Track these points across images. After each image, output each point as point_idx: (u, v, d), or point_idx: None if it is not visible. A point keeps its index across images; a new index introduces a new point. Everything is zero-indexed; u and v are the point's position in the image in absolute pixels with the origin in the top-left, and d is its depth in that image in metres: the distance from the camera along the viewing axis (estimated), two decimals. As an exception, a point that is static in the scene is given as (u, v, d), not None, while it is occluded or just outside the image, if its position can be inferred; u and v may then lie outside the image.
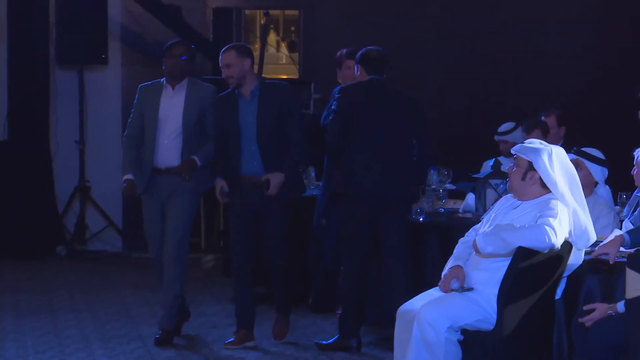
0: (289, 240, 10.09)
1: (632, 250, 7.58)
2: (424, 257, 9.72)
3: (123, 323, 10.94)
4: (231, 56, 9.65)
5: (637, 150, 8.32)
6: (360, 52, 10.32)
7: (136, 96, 10.07)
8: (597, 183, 9.27)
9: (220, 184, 9.90)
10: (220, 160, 10.01)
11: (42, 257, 15.03)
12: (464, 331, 7.85)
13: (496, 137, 12.00)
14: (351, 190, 9.90)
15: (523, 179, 7.91)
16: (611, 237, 7.64)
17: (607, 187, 9.55)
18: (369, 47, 10.30)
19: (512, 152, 8.00)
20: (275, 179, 9.67)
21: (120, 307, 11.75)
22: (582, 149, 9.33)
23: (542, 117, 11.42)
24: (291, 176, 9.87)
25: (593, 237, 7.99)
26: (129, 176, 10.02)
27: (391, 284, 9.89)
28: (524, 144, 7.97)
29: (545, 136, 10.68)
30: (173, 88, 9.93)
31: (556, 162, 7.89)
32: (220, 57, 9.75)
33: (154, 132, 9.93)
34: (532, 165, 7.87)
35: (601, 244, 7.73)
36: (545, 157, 7.86)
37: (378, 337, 10.20)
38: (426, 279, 8.82)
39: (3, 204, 15.06)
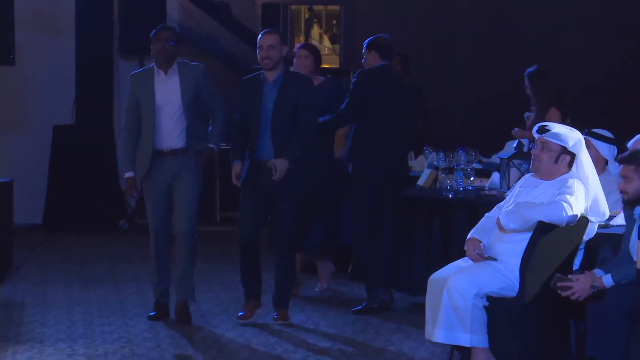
0: (296, 226, 9.63)
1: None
2: (453, 230, 9.71)
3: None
4: (275, 39, 9.22)
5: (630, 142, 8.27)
6: (371, 39, 10.28)
7: (129, 85, 9.37)
8: (607, 161, 9.21)
9: (238, 167, 9.48)
10: (238, 143, 9.63)
11: (106, 231, 15.25)
12: (489, 298, 7.87)
13: (527, 114, 12.06)
14: (359, 165, 10.30)
15: (556, 162, 7.92)
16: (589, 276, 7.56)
17: (617, 164, 9.51)
18: (379, 35, 10.25)
19: (547, 137, 7.91)
20: (280, 165, 9.28)
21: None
22: (592, 130, 9.32)
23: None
24: (299, 164, 9.39)
25: (606, 212, 8.01)
26: (130, 174, 9.42)
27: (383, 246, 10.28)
28: (553, 131, 7.91)
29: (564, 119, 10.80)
30: (165, 72, 9.27)
31: (584, 148, 7.98)
32: (261, 37, 9.29)
33: (154, 117, 9.23)
34: (566, 150, 7.89)
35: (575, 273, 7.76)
36: (579, 144, 7.94)
37: (409, 303, 10.25)
38: (455, 250, 8.82)
39: (71, 182, 15.24)
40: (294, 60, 10.80)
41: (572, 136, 7.91)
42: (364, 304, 10.17)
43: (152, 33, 9.09)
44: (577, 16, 16.03)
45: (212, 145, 9.34)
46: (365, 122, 10.17)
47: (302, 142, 9.45)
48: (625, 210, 7.71)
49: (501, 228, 7.83)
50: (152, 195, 9.37)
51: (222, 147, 10.71)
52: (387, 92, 10.19)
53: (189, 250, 9.44)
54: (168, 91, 9.15)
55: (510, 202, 8.03)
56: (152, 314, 9.52)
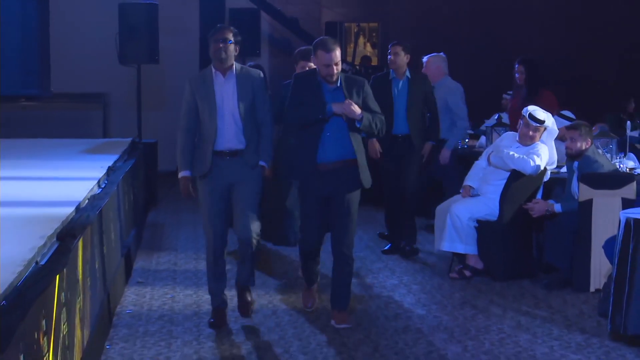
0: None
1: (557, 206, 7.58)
2: (455, 174, 9.62)
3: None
4: (339, 54, 6.26)
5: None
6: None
7: (186, 88, 6.43)
8: None
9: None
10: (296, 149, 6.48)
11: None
12: (478, 220, 7.89)
13: (504, 95, 11.93)
14: None
15: (539, 138, 7.84)
16: (545, 203, 7.63)
17: None
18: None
19: (538, 125, 7.78)
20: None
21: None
22: (560, 112, 9.26)
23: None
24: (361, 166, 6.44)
25: (555, 161, 8.03)
26: (186, 173, 6.40)
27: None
28: (541, 118, 7.78)
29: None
30: (224, 75, 6.33)
31: (553, 124, 7.92)
32: (326, 55, 6.18)
33: (215, 118, 6.31)
34: (545, 128, 7.80)
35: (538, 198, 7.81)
36: (551, 123, 7.87)
37: (425, 225, 10.10)
38: (457, 187, 8.77)
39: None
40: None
41: (549, 120, 7.88)
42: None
43: (210, 33, 6.39)
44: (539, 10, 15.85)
45: (262, 163, 6.37)
46: None
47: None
48: (567, 162, 7.76)
49: (489, 162, 7.92)
50: (210, 196, 6.38)
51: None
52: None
53: (253, 252, 6.43)
54: (225, 93, 6.37)
55: (493, 150, 8.04)
56: (211, 320, 6.48)
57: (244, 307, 6.55)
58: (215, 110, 6.27)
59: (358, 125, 6.25)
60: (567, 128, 7.69)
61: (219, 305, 6.51)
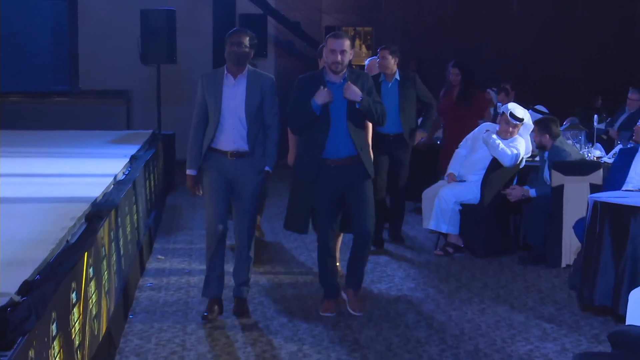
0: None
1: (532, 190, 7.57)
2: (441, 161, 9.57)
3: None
4: (348, 45, 5.71)
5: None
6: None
7: (199, 83, 5.85)
8: None
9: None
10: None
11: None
12: (462, 204, 7.88)
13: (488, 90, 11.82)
14: None
15: (517, 132, 7.80)
16: (521, 188, 7.62)
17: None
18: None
19: (518, 122, 7.74)
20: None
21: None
22: (534, 106, 9.26)
23: (502, 85, 11.30)
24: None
25: (530, 151, 8.03)
26: (192, 172, 5.81)
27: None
28: (520, 116, 7.75)
29: (508, 96, 10.65)
30: (235, 77, 5.76)
31: (529, 119, 7.89)
32: (335, 41, 5.74)
33: (219, 118, 5.72)
34: (522, 123, 7.77)
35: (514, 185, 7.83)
36: (527, 119, 7.84)
37: (413, 207, 10.11)
38: (442, 174, 8.74)
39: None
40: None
41: (526, 115, 7.87)
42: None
43: (228, 34, 5.84)
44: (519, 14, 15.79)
45: (268, 169, 5.83)
46: None
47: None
48: (539, 152, 7.80)
49: (487, 143, 7.78)
50: (213, 188, 5.79)
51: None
52: None
53: (249, 249, 5.88)
54: (234, 95, 5.74)
55: (476, 139, 8.02)
56: (205, 314, 5.84)
57: (240, 311, 5.91)
58: (219, 110, 5.73)
59: (357, 106, 5.75)
60: (534, 123, 7.70)
61: (215, 295, 5.90)
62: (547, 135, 7.50)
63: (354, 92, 5.71)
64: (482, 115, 9.08)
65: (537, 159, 8.03)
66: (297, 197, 6.70)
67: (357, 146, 5.79)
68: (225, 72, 5.79)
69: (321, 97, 5.72)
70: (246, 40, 5.73)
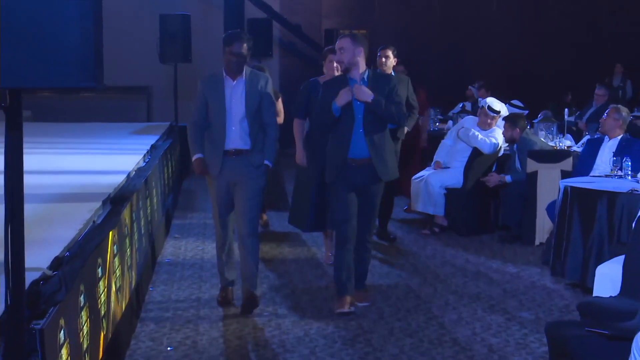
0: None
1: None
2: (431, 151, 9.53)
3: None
4: (346, 42, 5.32)
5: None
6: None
7: (198, 87, 5.52)
8: None
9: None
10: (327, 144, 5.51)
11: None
12: (447, 188, 7.87)
13: (470, 87, 11.80)
14: None
15: (495, 124, 7.79)
16: (497, 176, 7.59)
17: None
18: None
19: (496, 115, 7.73)
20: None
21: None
22: (511, 101, 9.20)
23: (480, 83, 11.17)
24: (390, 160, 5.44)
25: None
26: (199, 155, 5.39)
27: None
28: (497, 109, 7.74)
29: (487, 92, 10.59)
30: (233, 79, 5.38)
31: (505, 112, 7.87)
32: (337, 42, 5.44)
33: (224, 119, 5.35)
34: (499, 115, 7.76)
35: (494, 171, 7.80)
36: (504, 112, 7.83)
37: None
38: (430, 161, 8.69)
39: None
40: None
41: (504, 109, 7.86)
42: None
43: (226, 39, 5.44)
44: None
45: (267, 163, 5.41)
46: None
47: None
48: (509, 146, 7.78)
49: (459, 136, 7.77)
50: (219, 194, 5.45)
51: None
52: None
53: (252, 249, 5.40)
54: (235, 96, 5.37)
55: (460, 129, 7.97)
56: (218, 299, 5.62)
57: (248, 305, 5.42)
58: (224, 112, 5.34)
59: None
60: (503, 119, 7.69)
61: (225, 285, 5.62)
62: (518, 129, 7.52)
63: (364, 93, 5.22)
64: (422, 113, 8.79)
65: (508, 151, 8.02)
66: (299, 196, 6.55)
67: (370, 148, 5.28)
68: (224, 74, 5.41)
69: (342, 98, 5.24)
70: (244, 48, 5.33)
